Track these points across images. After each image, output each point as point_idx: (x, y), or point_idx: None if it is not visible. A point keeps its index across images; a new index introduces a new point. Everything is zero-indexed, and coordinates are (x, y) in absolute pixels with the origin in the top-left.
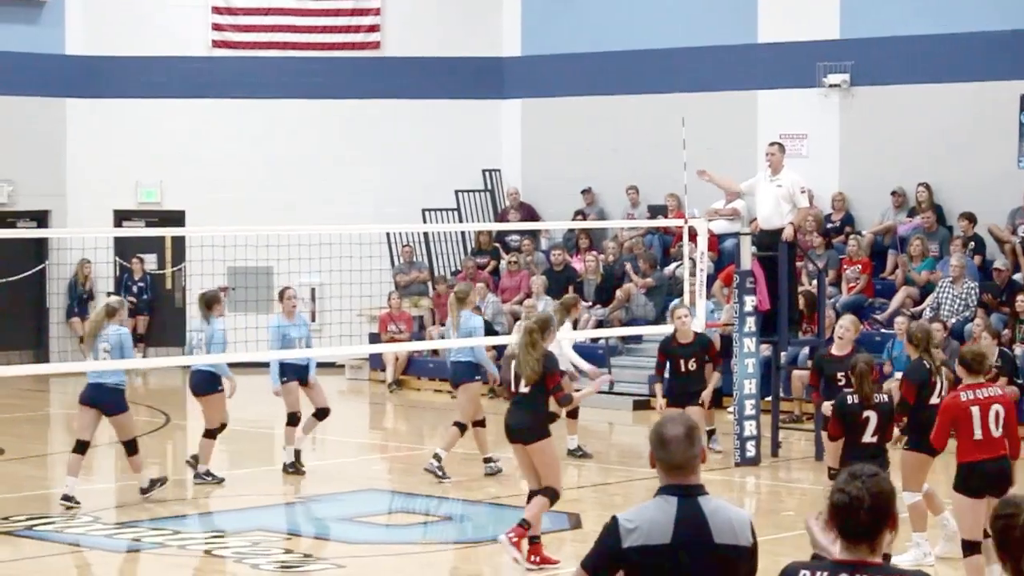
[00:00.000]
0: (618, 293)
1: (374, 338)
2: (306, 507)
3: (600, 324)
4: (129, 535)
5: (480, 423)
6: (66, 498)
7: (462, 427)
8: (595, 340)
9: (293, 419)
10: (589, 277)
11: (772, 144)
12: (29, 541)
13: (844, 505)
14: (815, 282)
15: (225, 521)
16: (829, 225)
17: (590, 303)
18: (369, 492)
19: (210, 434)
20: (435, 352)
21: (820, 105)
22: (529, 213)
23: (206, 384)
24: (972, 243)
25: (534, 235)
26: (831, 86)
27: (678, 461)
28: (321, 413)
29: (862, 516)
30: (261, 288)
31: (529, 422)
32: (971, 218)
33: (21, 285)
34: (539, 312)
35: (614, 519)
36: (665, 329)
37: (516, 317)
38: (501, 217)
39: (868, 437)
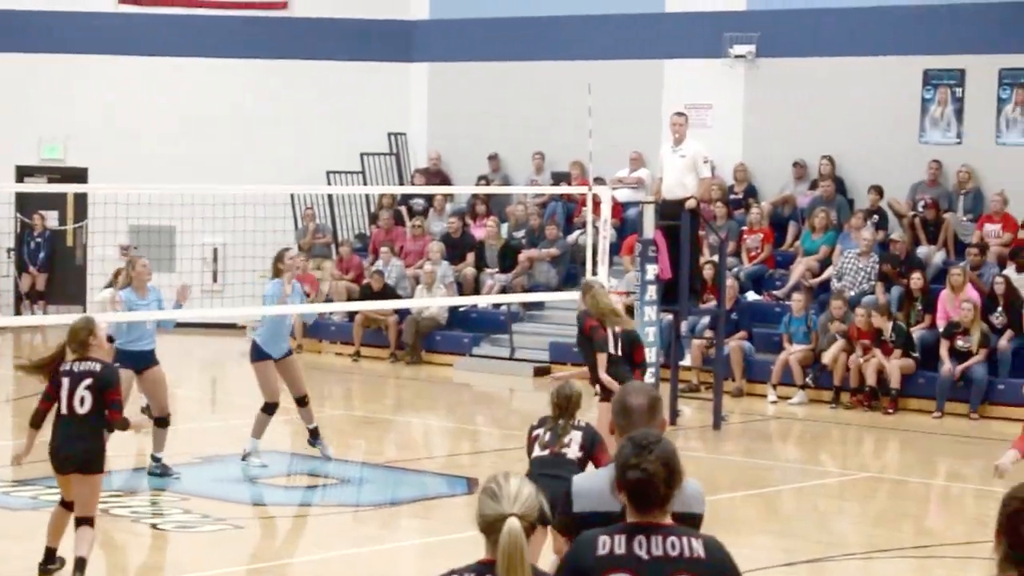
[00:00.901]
0: (520, 259)
1: None
2: (205, 468)
3: (503, 290)
4: (27, 493)
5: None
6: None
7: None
8: (497, 306)
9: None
10: (490, 242)
11: (677, 114)
12: None
13: (642, 481)
14: (717, 253)
15: (123, 480)
16: (732, 196)
17: (494, 270)
18: (268, 454)
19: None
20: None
21: (725, 76)
22: (441, 179)
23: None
24: (875, 216)
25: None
26: (737, 57)
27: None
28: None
29: (660, 489)
30: (164, 247)
31: None
32: (879, 191)
33: None
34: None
35: (568, 485)
36: (566, 296)
37: (417, 281)
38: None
39: None
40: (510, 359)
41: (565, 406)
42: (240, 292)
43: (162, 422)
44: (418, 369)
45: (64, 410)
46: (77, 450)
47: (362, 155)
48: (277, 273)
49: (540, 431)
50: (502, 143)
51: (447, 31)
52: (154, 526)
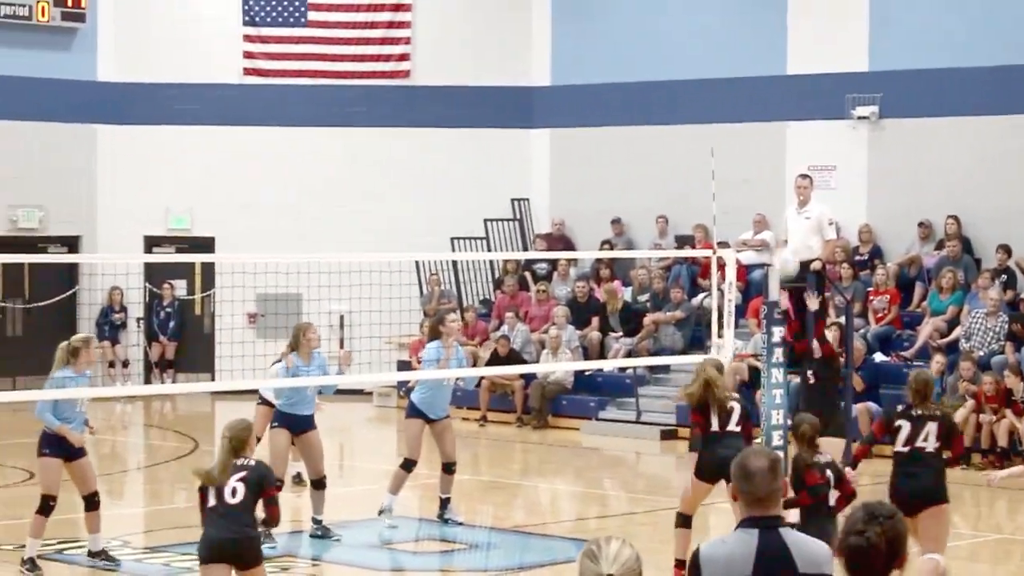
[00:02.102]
0: (645, 322)
1: (403, 365)
2: (336, 533)
3: (629, 354)
4: (159, 560)
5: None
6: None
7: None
8: (623, 370)
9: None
10: (610, 303)
11: (802, 176)
12: (59, 565)
13: (861, 549)
14: (843, 314)
15: (283, 543)
16: (857, 257)
17: (620, 333)
18: (398, 519)
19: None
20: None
21: (848, 137)
22: (565, 244)
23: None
24: (1003, 275)
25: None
26: (860, 118)
27: (762, 493)
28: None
29: (877, 563)
30: (290, 315)
31: None
32: (1007, 250)
33: (52, 310)
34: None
35: (696, 551)
36: (692, 359)
37: (543, 345)
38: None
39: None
40: (636, 422)
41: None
42: (367, 359)
43: (319, 484)
44: (544, 433)
45: (213, 501)
46: (227, 541)
47: (486, 221)
48: (435, 335)
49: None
50: (625, 207)
51: (568, 97)
52: None
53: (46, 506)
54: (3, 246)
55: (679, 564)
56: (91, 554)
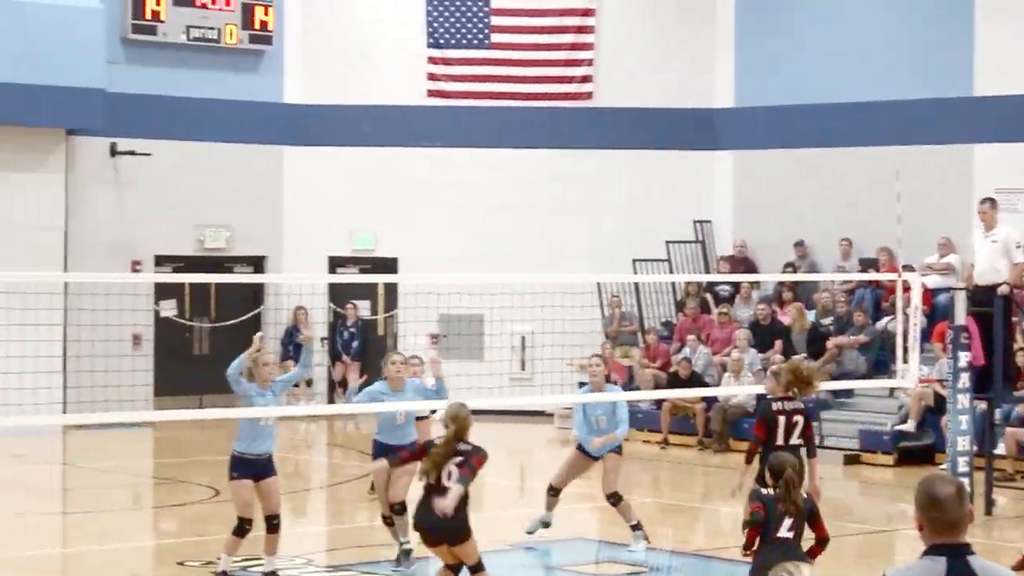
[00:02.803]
0: (829, 346)
1: (584, 387)
2: (514, 555)
3: None
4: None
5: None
6: None
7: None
8: None
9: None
10: (793, 326)
11: (983, 201)
12: None
13: None
14: None
15: (432, 567)
16: None
17: (803, 356)
18: (577, 541)
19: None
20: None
21: None
22: (747, 266)
23: None
24: None
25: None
26: None
27: (951, 520)
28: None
29: None
30: (472, 336)
31: None
32: None
33: (238, 329)
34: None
35: (883, 574)
36: (876, 384)
37: (725, 368)
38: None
39: None
40: (819, 447)
41: None
42: (548, 380)
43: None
44: (726, 457)
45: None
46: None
47: (667, 243)
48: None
49: None
50: (808, 229)
51: (752, 119)
52: None
53: (242, 528)
54: (190, 266)
55: None
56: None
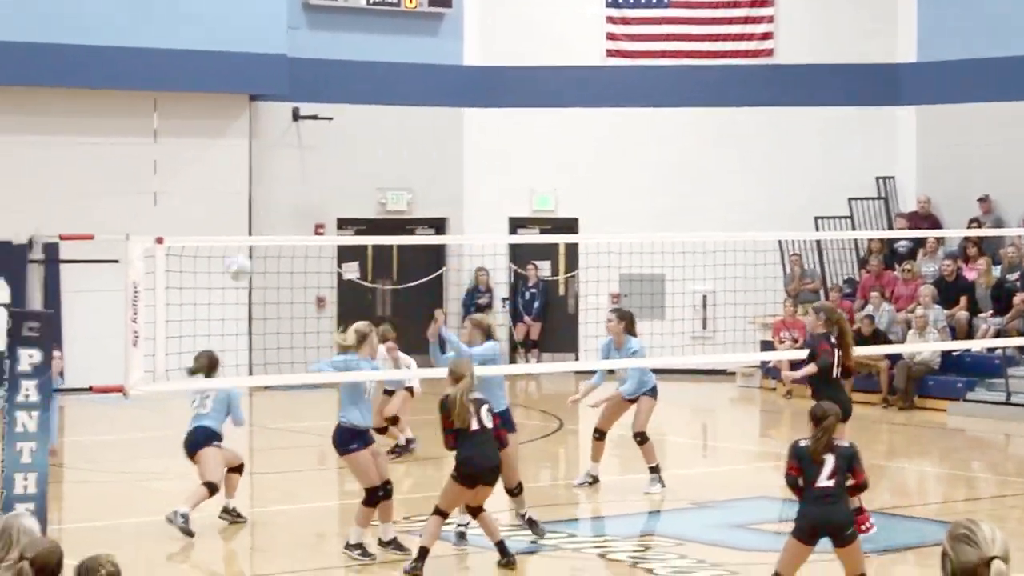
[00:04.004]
0: (1015, 302)
1: (766, 345)
2: (697, 513)
3: (998, 334)
4: (527, 537)
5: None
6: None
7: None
8: (991, 350)
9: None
10: (980, 282)
11: None
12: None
13: None
14: None
15: (616, 526)
16: None
17: (988, 313)
18: (760, 499)
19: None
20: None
21: None
22: (932, 222)
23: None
24: None
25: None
26: None
27: None
28: None
29: None
30: (655, 295)
31: None
32: None
33: (420, 291)
34: None
35: None
36: None
37: (909, 325)
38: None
39: None
40: (1006, 403)
41: None
42: (730, 339)
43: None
44: (910, 414)
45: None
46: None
47: (850, 200)
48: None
49: None
50: (993, 184)
51: (935, 73)
52: (650, 571)
53: (375, 497)
54: (373, 229)
55: None
56: (381, 543)
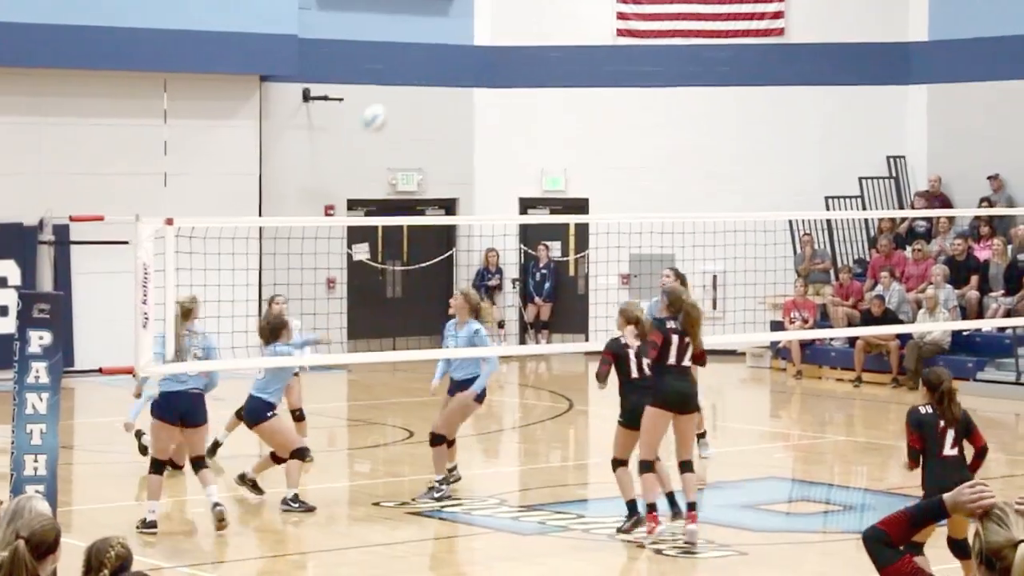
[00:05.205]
0: None
1: (776, 326)
2: (708, 494)
3: (1008, 313)
4: (535, 518)
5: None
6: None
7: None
8: (1002, 329)
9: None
10: (996, 261)
11: None
12: (436, 522)
13: None
14: None
15: (625, 506)
16: None
17: (999, 292)
18: (770, 480)
19: None
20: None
21: None
22: (942, 201)
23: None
24: None
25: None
26: None
27: None
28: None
29: None
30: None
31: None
32: None
33: (430, 271)
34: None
35: None
36: None
37: (919, 305)
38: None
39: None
40: (1016, 383)
41: None
42: (741, 319)
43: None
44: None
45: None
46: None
47: (860, 179)
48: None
49: None
50: (1004, 163)
51: (946, 51)
52: (659, 551)
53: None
54: (383, 209)
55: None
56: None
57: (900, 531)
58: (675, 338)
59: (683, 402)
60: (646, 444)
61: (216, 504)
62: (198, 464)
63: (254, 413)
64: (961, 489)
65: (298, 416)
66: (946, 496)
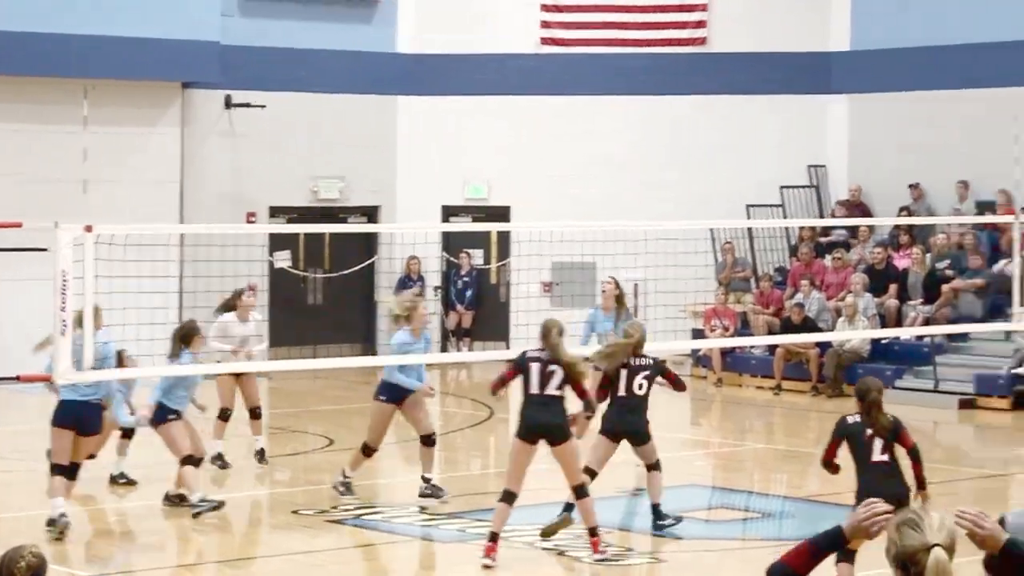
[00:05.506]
0: (944, 290)
1: (697, 334)
2: (627, 501)
3: (927, 322)
4: (454, 526)
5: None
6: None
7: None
8: (920, 338)
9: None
10: (915, 270)
11: None
12: (356, 530)
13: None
14: None
15: (546, 514)
16: None
17: (918, 301)
18: (690, 487)
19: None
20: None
21: None
22: (862, 210)
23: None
24: None
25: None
26: None
27: None
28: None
29: None
30: (585, 283)
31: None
32: None
33: (352, 279)
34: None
35: (1000, 520)
36: (991, 327)
37: (839, 313)
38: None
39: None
40: (934, 391)
41: None
42: (662, 327)
43: (429, 440)
44: (840, 402)
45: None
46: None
47: (781, 188)
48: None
49: None
50: (924, 172)
51: (867, 62)
52: (577, 559)
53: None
54: (305, 217)
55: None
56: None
57: (803, 562)
58: (535, 367)
59: (543, 434)
60: (507, 473)
61: (62, 515)
62: (73, 470)
63: (155, 415)
64: (856, 514)
65: (255, 414)
66: (844, 524)
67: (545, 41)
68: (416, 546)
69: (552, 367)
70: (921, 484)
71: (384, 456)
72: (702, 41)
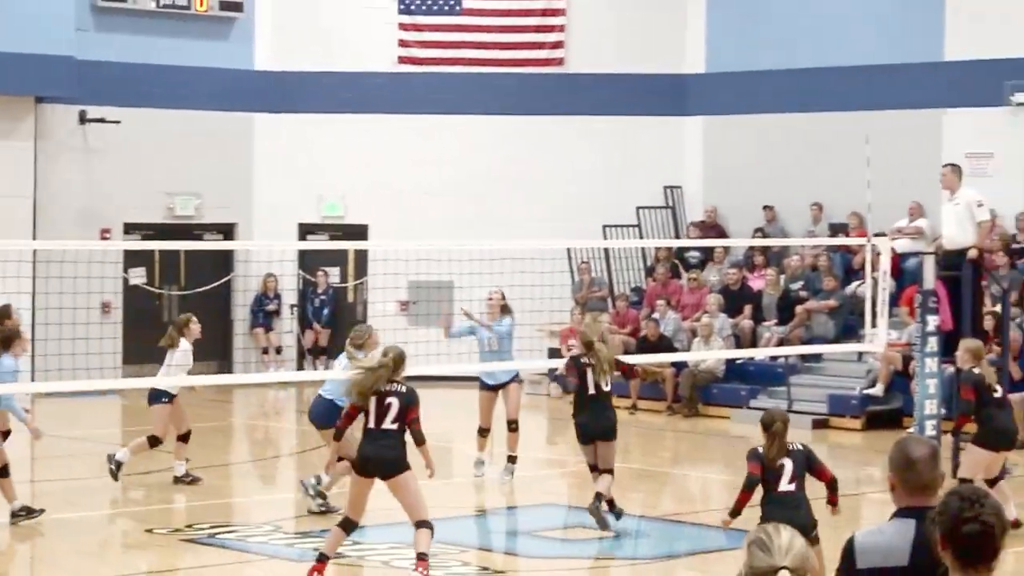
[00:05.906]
0: (798, 311)
1: (553, 353)
2: (483, 520)
3: (781, 342)
4: (310, 545)
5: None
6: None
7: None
8: (775, 358)
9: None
10: (769, 291)
11: (944, 166)
12: (211, 549)
13: (981, 533)
14: (999, 303)
15: (405, 533)
16: (1015, 245)
17: (772, 322)
18: (546, 507)
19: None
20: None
21: (1007, 124)
22: (718, 232)
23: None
24: None
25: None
26: (1018, 104)
27: (924, 481)
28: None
29: (998, 541)
30: (443, 303)
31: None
32: None
33: (207, 297)
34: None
35: (851, 540)
36: (845, 348)
37: (695, 334)
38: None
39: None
40: (788, 411)
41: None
42: (518, 346)
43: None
44: (695, 422)
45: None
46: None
47: (638, 209)
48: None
49: None
50: (778, 194)
51: (722, 84)
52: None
53: None
54: (160, 233)
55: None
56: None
57: None
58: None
59: (376, 468)
60: (348, 502)
61: None
62: None
63: None
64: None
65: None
66: None
67: (403, 60)
68: (271, 565)
69: (389, 400)
70: (833, 504)
71: (239, 475)
72: (559, 62)
